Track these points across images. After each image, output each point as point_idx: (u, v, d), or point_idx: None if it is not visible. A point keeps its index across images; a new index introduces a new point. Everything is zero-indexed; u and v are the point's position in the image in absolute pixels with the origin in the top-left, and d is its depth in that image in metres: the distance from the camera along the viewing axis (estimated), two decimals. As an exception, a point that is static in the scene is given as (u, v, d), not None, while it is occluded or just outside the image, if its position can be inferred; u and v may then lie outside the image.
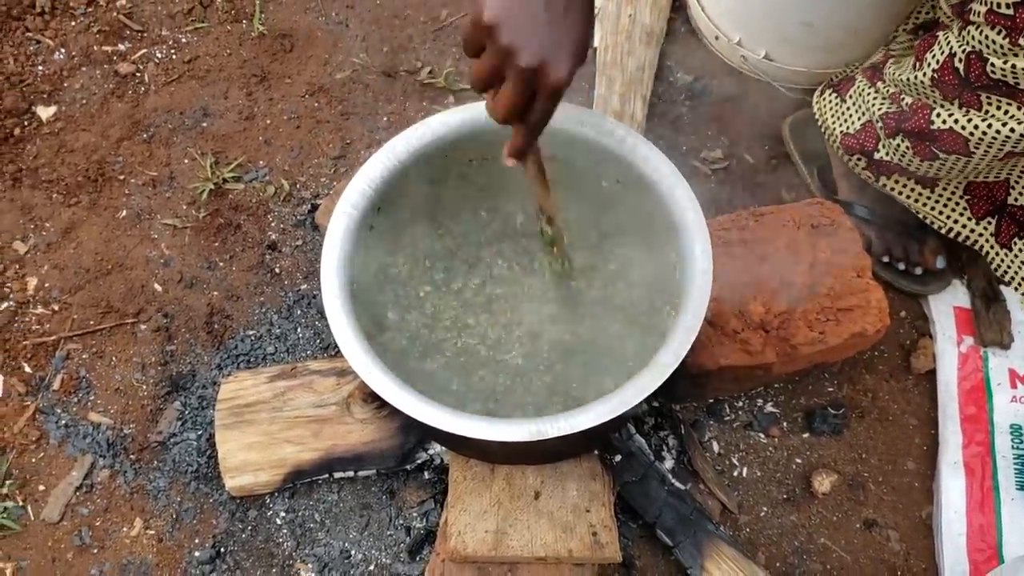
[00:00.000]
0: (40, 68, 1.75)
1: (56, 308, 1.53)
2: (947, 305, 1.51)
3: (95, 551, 1.36)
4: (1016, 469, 1.38)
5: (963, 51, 1.11)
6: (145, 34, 1.81)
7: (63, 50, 1.77)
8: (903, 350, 1.50)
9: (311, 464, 1.33)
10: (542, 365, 1.19)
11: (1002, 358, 1.46)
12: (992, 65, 1.07)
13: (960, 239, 1.43)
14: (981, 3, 1.05)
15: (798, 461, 1.42)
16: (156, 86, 1.75)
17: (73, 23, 1.81)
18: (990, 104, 1.13)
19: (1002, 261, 1.39)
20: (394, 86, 1.75)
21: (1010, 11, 1.00)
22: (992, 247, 1.40)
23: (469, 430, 0.96)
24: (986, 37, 1.06)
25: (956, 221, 1.41)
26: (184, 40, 1.80)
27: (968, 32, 1.09)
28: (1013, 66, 1.05)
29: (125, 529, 1.38)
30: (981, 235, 1.40)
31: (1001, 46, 1.04)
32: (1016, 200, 1.35)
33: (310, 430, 1.33)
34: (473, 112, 1.15)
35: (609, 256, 1.22)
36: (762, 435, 1.43)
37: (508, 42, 0.83)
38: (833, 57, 1.62)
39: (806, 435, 1.43)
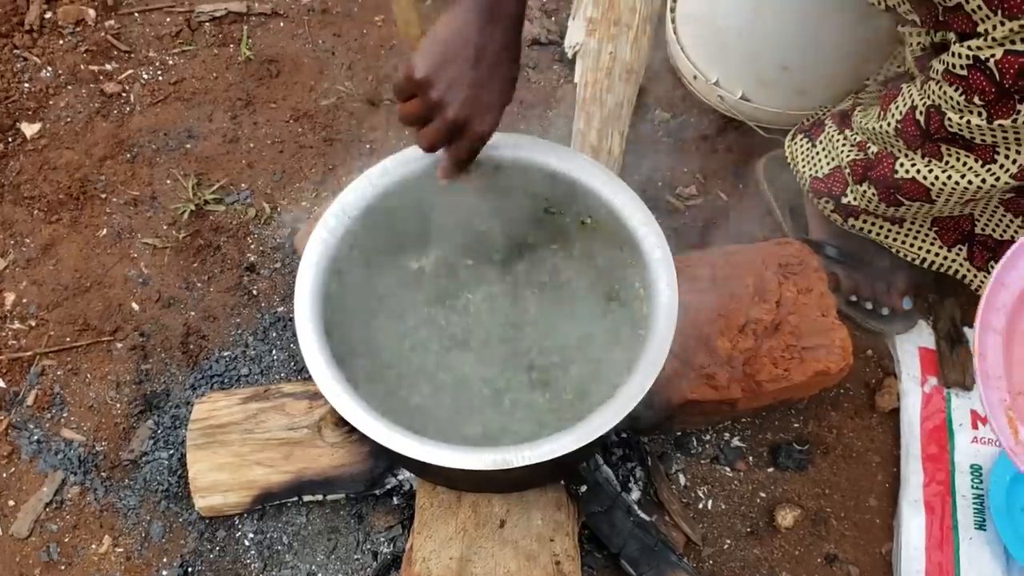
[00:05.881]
0: (27, 85, 1.77)
1: (33, 324, 1.54)
2: (912, 345, 1.54)
3: (63, 567, 1.37)
4: (975, 509, 1.40)
5: (924, 104, 1.15)
6: (132, 55, 1.83)
7: (50, 68, 1.79)
8: (868, 388, 1.53)
9: (281, 486, 1.34)
10: (516, 391, 1.21)
11: (964, 399, 1.49)
12: (949, 120, 1.11)
13: (935, 268, 1.46)
14: (940, 62, 1.09)
15: (762, 495, 1.44)
16: (142, 107, 1.77)
17: (61, 42, 1.83)
18: (950, 155, 1.17)
19: (982, 282, 1.42)
20: (377, 114, 1.78)
21: (964, 72, 1.04)
22: (968, 270, 1.43)
23: (434, 457, 0.98)
24: (944, 93, 1.09)
25: (928, 251, 1.44)
26: (171, 62, 1.83)
27: (929, 87, 1.13)
28: (968, 122, 1.09)
29: (94, 546, 1.38)
30: (955, 261, 1.43)
31: (958, 103, 1.08)
32: (983, 230, 1.39)
33: (281, 452, 1.34)
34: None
35: (579, 288, 1.25)
36: (728, 469, 1.45)
37: (437, 98, 0.98)
38: (807, 100, 1.66)
39: (771, 470, 1.46)
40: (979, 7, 0.98)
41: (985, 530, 1.39)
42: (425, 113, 1.00)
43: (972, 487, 1.42)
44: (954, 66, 1.06)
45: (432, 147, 1.05)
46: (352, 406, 1.01)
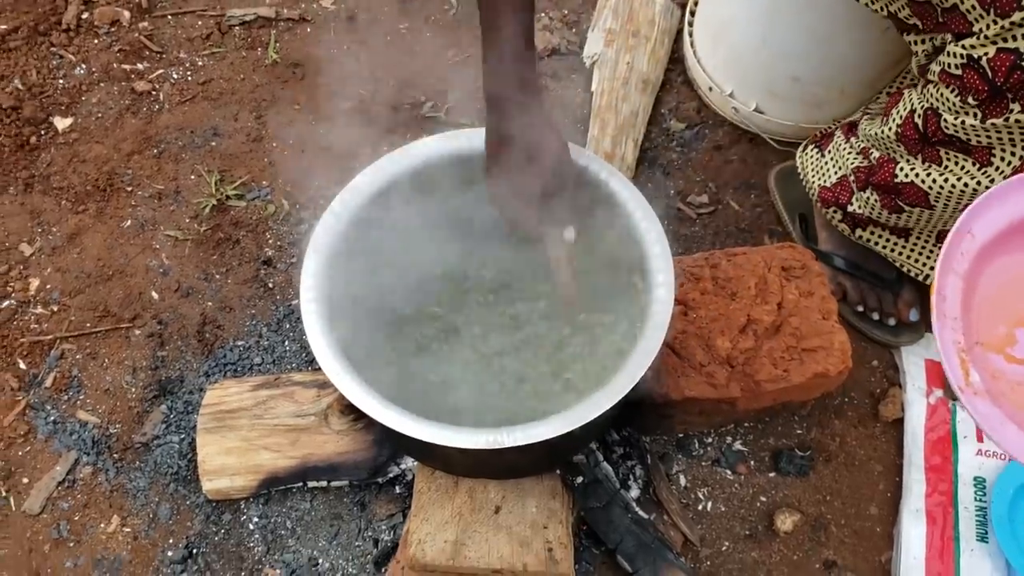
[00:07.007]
0: (61, 81, 1.83)
1: (55, 309, 1.59)
2: (919, 357, 1.54)
3: (71, 544, 1.40)
4: (978, 521, 1.40)
5: (922, 107, 1.17)
6: (164, 55, 1.89)
7: (84, 66, 1.86)
8: (873, 398, 1.53)
9: (286, 471, 1.37)
10: (524, 378, 1.23)
11: (970, 411, 1.49)
12: (945, 121, 1.13)
13: None
14: (937, 63, 1.11)
15: (763, 499, 1.44)
16: (170, 105, 1.82)
17: (96, 41, 1.89)
18: (948, 159, 1.18)
19: None
20: (397, 117, 1.82)
21: (959, 72, 1.06)
22: None
23: (425, 435, 1.00)
24: (941, 94, 1.11)
25: (932, 268, 1.45)
26: (200, 63, 1.88)
27: (927, 90, 1.15)
28: (963, 123, 1.10)
29: (102, 525, 1.42)
30: None
31: (953, 104, 1.10)
32: None
33: (288, 438, 1.37)
34: (458, 140, 1.21)
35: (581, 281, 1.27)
36: (729, 472, 1.46)
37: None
38: (819, 112, 1.68)
39: (772, 474, 1.46)
40: (973, 7, 1.00)
41: (987, 542, 1.38)
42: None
43: (975, 499, 1.42)
44: (950, 66, 1.08)
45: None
46: (349, 382, 1.04)
